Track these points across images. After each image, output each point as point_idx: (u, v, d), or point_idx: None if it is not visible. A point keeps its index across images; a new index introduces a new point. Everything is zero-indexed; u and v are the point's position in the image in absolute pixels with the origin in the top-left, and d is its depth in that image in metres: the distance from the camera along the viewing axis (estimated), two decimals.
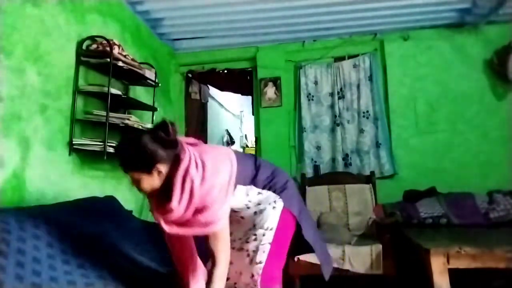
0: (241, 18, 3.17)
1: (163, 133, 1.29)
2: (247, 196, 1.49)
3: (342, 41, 3.62)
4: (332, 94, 3.56)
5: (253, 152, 4.04)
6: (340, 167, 3.42)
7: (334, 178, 3.28)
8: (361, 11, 3.09)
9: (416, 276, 2.25)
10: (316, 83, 3.61)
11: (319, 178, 3.35)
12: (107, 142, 2.18)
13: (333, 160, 3.48)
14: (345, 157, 3.46)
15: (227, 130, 6.24)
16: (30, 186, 1.82)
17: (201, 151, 1.37)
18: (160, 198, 1.34)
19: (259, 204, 1.51)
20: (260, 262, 1.45)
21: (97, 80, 2.40)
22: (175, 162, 1.30)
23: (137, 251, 1.94)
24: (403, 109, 3.41)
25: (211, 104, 4.93)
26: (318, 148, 3.54)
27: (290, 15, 3.12)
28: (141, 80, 2.74)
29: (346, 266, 2.45)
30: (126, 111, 2.72)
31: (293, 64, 3.71)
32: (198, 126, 4.30)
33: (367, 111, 3.45)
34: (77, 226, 1.78)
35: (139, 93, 3.01)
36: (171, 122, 1.33)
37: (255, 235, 1.49)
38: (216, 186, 1.30)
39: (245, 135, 7.13)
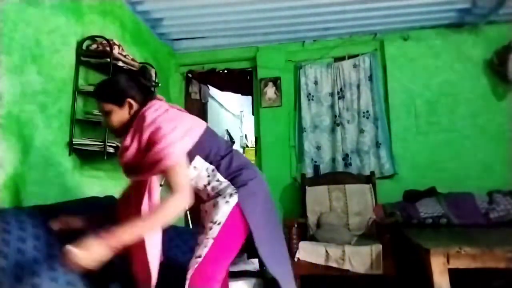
0: (241, 18, 3.17)
1: (141, 77, 1.42)
2: (207, 177, 1.43)
3: (342, 41, 3.62)
4: (332, 94, 3.56)
5: (253, 152, 4.04)
6: (340, 167, 3.42)
7: (334, 178, 3.28)
8: (361, 11, 3.09)
9: (416, 276, 2.25)
10: (316, 83, 3.61)
11: (319, 178, 3.35)
12: (107, 142, 2.18)
13: (333, 160, 3.48)
14: (345, 157, 3.46)
15: (227, 130, 6.24)
16: (30, 186, 1.81)
17: (172, 107, 1.45)
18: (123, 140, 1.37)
19: (219, 195, 1.42)
20: (199, 256, 1.32)
21: (97, 80, 2.37)
22: (143, 106, 1.37)
23: None
24: (403, 109, 3.41)
25: (211, 104, 4.93)
26: (318, 148, 3.54)
27: (290, 15, 3.12)
28: None
29: (346, 266, 2.45)
30: None
31: (293, 64, 3.71)
32: None
33: (367, 111, 3.45)
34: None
35: None
36: (147, 68, 1.45)
37: (204, 227, 1.41)
38: (164, 126, 1.29)
39: (245, 135, 7.13)
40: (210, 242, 1.34)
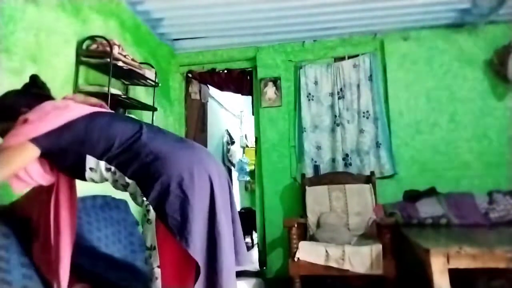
0: (241, 18, 3.17)
1: (33, 87, 1.33)
2: (116, 181, 1.24)
3: (342, 41, 3.62)
4: (332, 94, 3.56)
5: (253, 152, 4.04)
6: (340, 167, 3.42)
7: (334, 178, 3.28)
8: (361, 11, 3.09)
9: (416, 276, 2.26)
10: (316, 83, 3.61)
11: (319, 178, 3.35)
12: None
13: (333, 160, 3.48)
14: (345, 157, 3.45)
15: (227, 130, 6.23)
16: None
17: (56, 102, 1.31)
18: None
19: (137, 203, 1.23)
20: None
21: (97, 80, 2.39)
22: None
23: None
24: (403, 109, 3.41)
25: (211, 104, 4.93)
26: (318, 148, 3.54)
27: (290, 15, 3.12)
28: (141, 80, 2.74)
29: (346, 266, 2.45)
30: (126, 111, 2.72)
31: (293, 64, 3.71)
32: (198, 126, 4.29)
33: (367, 111, 3.45)
34: (80, 225, 1.80)
35: (139, 93, 3.01)
36: (35, 76, 1.36)
37: (145, 258, 1.22)
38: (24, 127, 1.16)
39: (245, 135, 7.13)
40: (157, 271, 1.17)
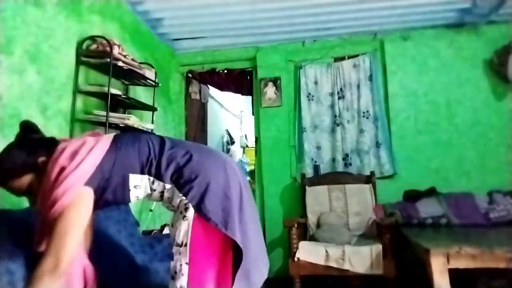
0: (241, 18, 3.17)
1: (30, 134, 1.26)
2: (155, 190, 1.30)
3: (342, 41, 3.62)
4: (332, 94, 3.56)
5: (253, 152, 4.04)
6: (340, 167, 3.42)
7: (334, 178, 3.28)
8: (361, 11, 3.09)
9: (416, 276, 2.26)
10: (316, 83, 3.61)
11: (319, 178, 3.35)
12: None
13: (333, 160, 3.48)
14: (345, 157, 3.46)
15: (227, 130, 6.24)
16: None
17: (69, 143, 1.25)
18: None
19: (175, 208, 1.27)
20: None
21: (97, 80, 2.40)
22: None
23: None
24: (403, 109, 3.41)
25: (211, 104, 4.93)
26: (318, 148, 3.54)
27: (290, 15, 3.12)
28: (141, 80, 2.74)
29: (346, 266, 2.45)
30: (126, 111, 2.73)
31: (293, 64, 3.71)
32: (198, 126, 4.30)
33: (367, 111, 3.45)
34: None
35: (139, 93, 3.01)
36: (27, 122, 1.30)
37: (173, 253, 1.24)
38: (63, 168, 1.15)
39: (245, 135, 7.14)
40: (185, 268, 1.20)
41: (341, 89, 3.54)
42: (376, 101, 3.44)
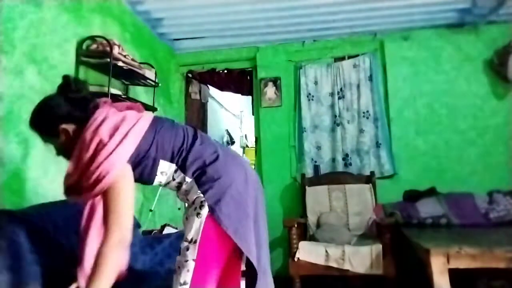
0: (241, 18, 3.17)
1: (69, 92, 1.24)
2: (175, 180, 1.31)
3: (342, 41, 3.62)
4: (332, 94, 3.56)
5: (253, 152, 4.04)
6: (340, 167, 3.42)
7: (334, 178, 3.28)
8: (361, 11, 3.09)
9: (416, 276, 2.26)
10: (316, 83, 3.61)
11: (319, 178, 3.35)
12: None
13: (333, 160, 3.48)
14: (345, 157, 3.46)
15: (227, 130, 6.24)
16: (30, 186, 1.81)
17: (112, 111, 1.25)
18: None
19: (190, 203, 1.28)
20: (184, 283, 1.18)
21: (97, 80, 2.39)
22: (83, 121, 1.21)
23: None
24: (403, 109, 3.41)
25: (211, 104, 4.93)
26: (318, 148, 3.54)
27: (290, 15, 3.12)
28: (141, 80, 2.74)
29: (346, 266, 2.45)
30: None
31: (293, 64, 3.71)
32: (198, 126, 4.30)
33: (367, 111, 3.45)
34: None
35: (139, 93, 3.01)
36: (75, 78, 1.31)
37: (180, 248, 1.24)
38: (103, 136, 1.16)
39: (245, 135, 7.13)
40: (191, 264, 1.20)
41: (341, 89, 3.54)
42: (376, 101, 3.44)
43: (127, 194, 1.18)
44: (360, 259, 2.45)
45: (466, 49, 3.37)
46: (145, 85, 2.87)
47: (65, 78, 1.27)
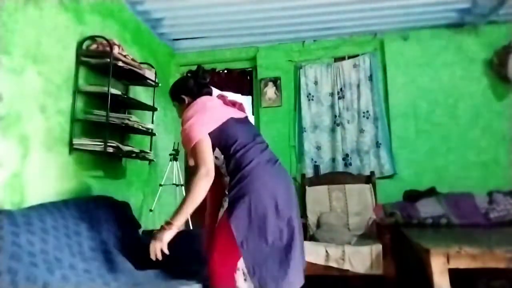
0: (241, 18, 3.17)
1: (196, 78, 1.79)
2: (222, 169, 1.61)
3: (342, 41, 3.62)
4: (332, 94, 3.56)
5: None
6: (340, 167, 3.42)
7: (334, 178, 3.28)
8: (361, 11, 3.09)
9: (416, 276, 2.26)
10: (316, 83, 3.61)
11: (319, 178, 3.35)
12: (107, 142, 2.18)
13: (333, 160, 3.48)
14: (345, 157, 3.45)
15: None
16: (30, 186, 1.81)
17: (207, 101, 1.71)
18: None
19: (224, 193, 1.59)
20: (210, 259, 1.53)
21: (97, 80, 2.39)
22: (197, 98, 1.71)
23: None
24: (403, 109, 3.41)
25: None
26: (318, 148, 3.54)
27: (290, 15, 3.12)
28: (141, 80, 2.74)
29: (346, 266, 2.45)
30: (126, 111, 2.72)
31: (293, 64, 3.71)
32: None
33: (367, 111, 3.45)
34: (84, 224, 1.82)
35: (139, 93, 3.01)
36: (204, 69, 1.82)
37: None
38: (189, 114, 1.61)
39: None
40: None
41: (341, 89, 3.54)
42: (376, 101, 3.44)
43: (206, 150, 1.54)
44: (360, 259, 2.45)
45: (466, 49, 3.37)
46: (145, 85, 2.87)
47: (198, 67, 1.82)
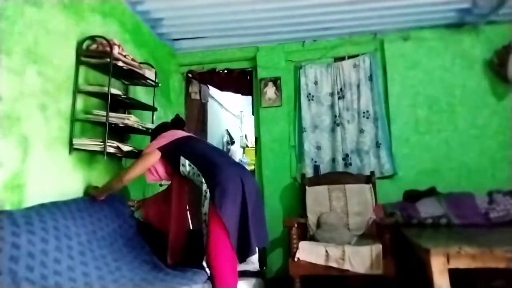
0: (241, 18, 3.17)
1: (173, 123, 2.50)
2: (191, 169, 2.07)
3: (342, 41, 3.62)
4: (332, 94, 3.56)
5: (253, 152, 4.04)
6: (340, 167, 3.42)
7: (334, 178, 3.28)
8: (361, 11, 3.09)
9: (416, 276, 2.26)
10: (316, 83, 3.61)
11: (319, 178, 3.35)
12: (107, 142, 2.18)
13: (333, 160, 3.48)
14: (345, 157, 3.45)
15: (227, 130, 6.24)
16: (30, 186, 1.81)
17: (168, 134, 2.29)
18: None
19: (203, 184, 1.98)
20: (206, 243, 1.89)
21: (97, 80, 2.39)
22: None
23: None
24: (403, 109, 3.41)
25: (211, 104, 4.93)
26: (318, 148, 3.54)
27: (290, 15, 3.12)
28: (141, 80, 2.74)
29: (346, 266, 2.45)
30: (126, 111, 2.72)
31: (293, 64, 3.71)
32: (198, 126, 4.30)
33: (367, 111, 3.45)
34: (84, 223, 1.82)
35: (139, 93, 3.01)
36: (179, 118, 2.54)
37: (204, 220, 1.95)
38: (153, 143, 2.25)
39: (245, 135, 7.14)
40: (206, 230, 1.91)
41: (341, 89, 3.54)
42: (376, 101, 3.44)
43: (147, 161, 2.16)
44: (360, 259, 2.45)
45: (466, 49, 3.37)
46: (145, 85, 2.87)
47: (176, 116, 2.59)
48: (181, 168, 2.10)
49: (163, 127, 2.41)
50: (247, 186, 1.96)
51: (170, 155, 2.14)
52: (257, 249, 2.03)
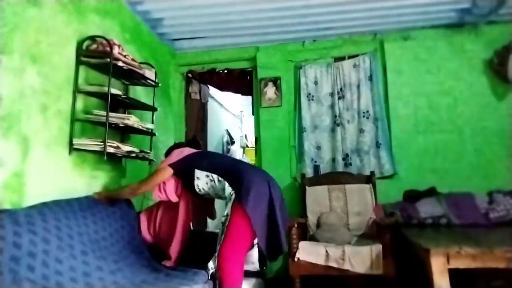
0: (241, 18, 3.17)
1: (188, 142, 2.70)
2: (209, 181, 2.12)
3: (342, 41, 3.62)
4: (332, 94, 3.56)
5: (253, 152, 4.04)
6: (340, 167, 3.42)
7: (334, 178, 3.28)
8: (361, 11, 3.09)
9: (416, 276, 2.26)
10: (316, 83, 3.61)
11: (319, 178, 3.35)
12: (107, 142, 2.18)
13: (333, 160, 3.48)
14: (345, 157, 3.45)
15: (227, 130, 6.23)
16: (30, 186, 1.81)
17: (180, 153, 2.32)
18: None
19: (224, 189, 2.04)
20: (220, 242, 1.91)
21: (97, 80, 2.39)
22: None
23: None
24: (403, 109, 3.41)
25: (211, 104, 4.93)
26: (318, 148, 3.54)
27: (290, 15, 3.12)
28: (141, 80, 2.74)
29: (346, 266, 2.45)
30: (126, 111, 2.72)
31: (293, 64, 3.71)
32: (198, 126, 4.30)
33: (367, 111, 3.45)
34: (87, 223, 1.82)
35: (139, 93, 3.01)
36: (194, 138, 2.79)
37: (222, 222, 1.97)
38: (166, 159, 2.28)
39: (245, 135, 7.13)
40: (224, 230, 1.92)
41: (341, 89, 3.54)
42: (376, 101, 3.44)
43: (160, 176, 2.19)
44: (360, 259, 2.45)
45: (466, 49, 3.37)
46: (145, 85, 2.87)
47: (193, 136, 2.80)
48: (196, 182, 2.12)
49: (177, 146, 2.47)
50: (274, 190, 2.02)
51: (182, 171, 2.16)
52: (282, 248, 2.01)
